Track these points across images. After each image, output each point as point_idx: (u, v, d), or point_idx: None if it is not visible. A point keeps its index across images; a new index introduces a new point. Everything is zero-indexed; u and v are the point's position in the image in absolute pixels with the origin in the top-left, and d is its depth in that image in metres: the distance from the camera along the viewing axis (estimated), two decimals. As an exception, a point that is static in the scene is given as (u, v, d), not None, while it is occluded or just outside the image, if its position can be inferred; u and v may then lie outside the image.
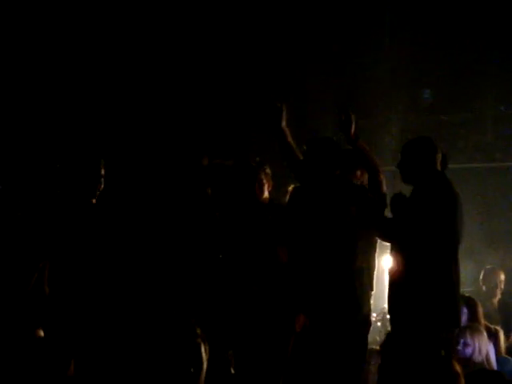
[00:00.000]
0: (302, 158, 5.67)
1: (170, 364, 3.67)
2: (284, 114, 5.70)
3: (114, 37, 8.16)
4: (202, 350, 3.72)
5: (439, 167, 5.36)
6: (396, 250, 5.32)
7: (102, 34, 8.11)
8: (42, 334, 5.35)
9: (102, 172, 5.76)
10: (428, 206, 5.21)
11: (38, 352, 4.84)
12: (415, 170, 5.33)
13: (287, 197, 5.83)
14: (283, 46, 8.62)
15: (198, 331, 3.76)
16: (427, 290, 5.15)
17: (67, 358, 5.06)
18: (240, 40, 8.61)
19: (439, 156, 5.37)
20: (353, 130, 5.57)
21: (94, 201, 5.71)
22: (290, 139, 5.73)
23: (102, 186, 5.76)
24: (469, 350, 5.80)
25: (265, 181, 5.89)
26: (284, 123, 5.71)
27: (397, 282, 5.27)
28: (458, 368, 5.00)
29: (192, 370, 3.64)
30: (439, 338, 5.10)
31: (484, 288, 8.14)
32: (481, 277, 8.22)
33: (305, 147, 5.64)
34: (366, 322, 5.52)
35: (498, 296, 8.11)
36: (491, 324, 6.56)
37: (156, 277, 5.68)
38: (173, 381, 3.66)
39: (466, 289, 7.46)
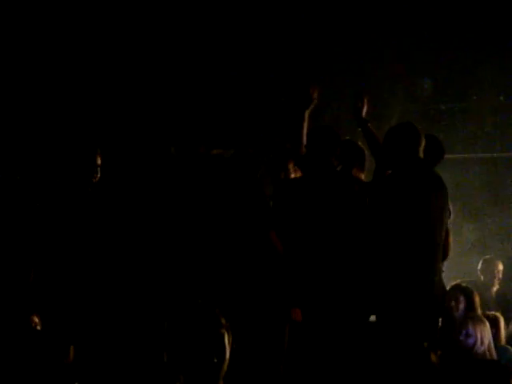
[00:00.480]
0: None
1: (194, 353, 3.71)
2: (314, 102, 5.68)
3: (104, 28, 8.10)
4: (226, 340, 3.74)
5: (421, 154, 5.35)
6: (371, 238, 5.35)
7: (91, 26, 8.05)
8: (37, 320, 5.35)
9: (99, 161, 5.76)
10: (398, 193, 5.27)
11: (36, 339, 4.86)
12: (394, 156, 5.34)
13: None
14: (282, 37, 8.59)
15: (223, 321, 3.79)
16: (404, 281, 5.20)
17: (66, 345, 5.08)
18: (248, 31, 8.57)
19: (422, 143, 5.35)
20: (364, 112, 5.74)
21: (90, 189, 5.71)
22: (304, 130, 5.70)
23: (99, 176, 5.76)
24: (471, 341, 5.78)
25: (292, 170, 5.89)
26: (308, 113, 5.68)
27: (375, 273, 5.31)
28: (434, 359, 4.99)
29: (215, 360, 3.67)
30: (421, 330, 5.13)
31: (482, 278, 8.17)
32: (479, 267, 8.26)
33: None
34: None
35: (497, 286, 8.13)
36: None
37: (160, 266, 5.67)
38: (196, 370, 3.70)
39: (464, 279, 7.48)
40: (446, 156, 5.98)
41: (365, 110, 5.79)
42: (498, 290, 8.15)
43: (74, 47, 8.02)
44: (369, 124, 5.81)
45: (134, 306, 5.54)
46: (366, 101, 5.80)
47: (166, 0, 8.36)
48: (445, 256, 5.68)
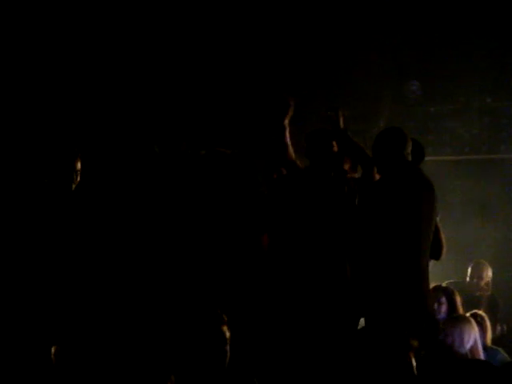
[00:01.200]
0: (294, 156, 5.68)
1: (196, 350, 3.77)
2: (291, 110, 5.69)
3: (86, 26, 8.04)
4: (227, 336, 3.81)
5: (409, 157, 5.47)
6: (361, 242, 5.40)
7: (69, 26, 7.98)
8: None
9: (78, 166, 5.70)
10: (389, 198, 5.36)
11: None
12: (383, 161, 5.45)
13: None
14: (275, 41, 8.59)
15: (224, 318, 3.86)
16: (393, 283, 5.27)
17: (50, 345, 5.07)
18: (243, 34, 8.55)
19: (409, 146, 5.48)
20: (341, 124, 5.72)
21: (70, 193, 5.67)
22: (287, 138, 5.70)
23: (78, 179, 5.71)
24: (449, 341, 5.79)
25: (285, 171, 5.90)
26: (287, 120, 5.69)
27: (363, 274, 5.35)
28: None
29: (220, 357, 3.74)
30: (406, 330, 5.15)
31: (468, 279, 8.21)
32: (468, 269, 8.31)
33: (305, 142, 5.65)
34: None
35: (484, 289, 8.15)
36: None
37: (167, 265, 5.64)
38: (199, 366, 3.75)
39: (449, 280, 7.53)
40: (435, 158, 6.04)
41: (341, 121, 5.75)
42: (486, 294, 8.16)
43: (52, 47, 7.94)
44: (348, 135, 5.77)
45: (128, 308, 5.52)
46: (340, 113, 5.75)
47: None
48: (439, 253, 5.71)
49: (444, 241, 5.73)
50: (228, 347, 3.88)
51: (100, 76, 8.12)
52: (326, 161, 5.59)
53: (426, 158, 6.11)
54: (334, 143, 5.62)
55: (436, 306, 6.18)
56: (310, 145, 5.64)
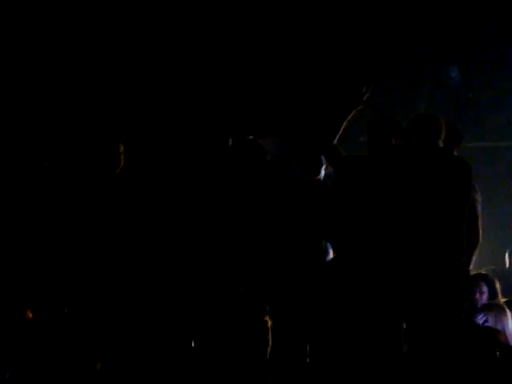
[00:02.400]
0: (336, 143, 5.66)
1: (239, 340, 3.81)
2: (365, 98, 5.63)
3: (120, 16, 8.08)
4: (269, 326, 3.85)
5: (442, 144, 5.37)
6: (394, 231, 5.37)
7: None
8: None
9: (121, 149, 5.76)
10: (421, 184, 5.28)
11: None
12: (416, 148, 5.38)
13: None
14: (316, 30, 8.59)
15: (266, 308, 3.89)
16: (429, 270, 5.19)
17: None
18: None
19: (442, 134, 5.37)
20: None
21: (114, 177, 5.73)
22: (343, 125, 5.66)
23: (122, 163, 5.77)
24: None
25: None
26: (355, 110, 5.62)
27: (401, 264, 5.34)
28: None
29: (262, 347, 3.78)
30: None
31: (508, 266, 8.21)
32: (506, 254, 8.30)
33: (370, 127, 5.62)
34: None
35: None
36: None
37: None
38: (243, 356, 3.79)
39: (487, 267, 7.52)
40: (474, 145, 5.99)
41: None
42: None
43: (92, 37, 8.01)
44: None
45: (166, 297, 5.56)
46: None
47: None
48: (476, 242, 5.60)
49: (480, 231, 5.60)
50: (269, 336, 3.91)
51: (149, 64, 8.19)
52: (382, 151, 5.54)
53: (466, 145, 6.07)
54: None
55: (478, 295, 6.17)
56: (369, 134, 5.60)
